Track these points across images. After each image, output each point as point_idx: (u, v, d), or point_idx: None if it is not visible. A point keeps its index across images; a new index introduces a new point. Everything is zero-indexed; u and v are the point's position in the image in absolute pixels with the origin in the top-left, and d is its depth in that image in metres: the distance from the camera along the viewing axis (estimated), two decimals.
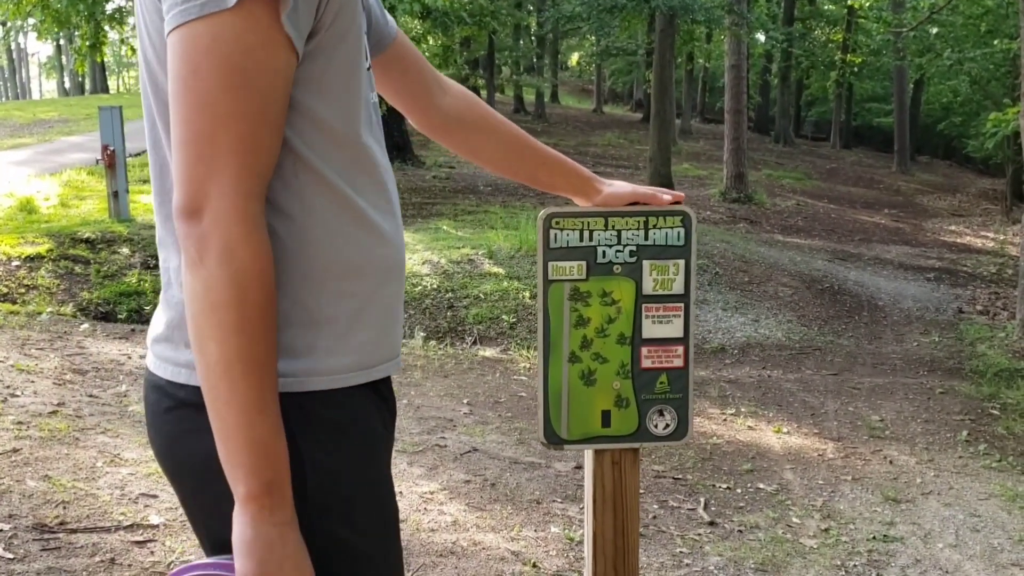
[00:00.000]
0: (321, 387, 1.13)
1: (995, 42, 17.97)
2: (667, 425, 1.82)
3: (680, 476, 4.84)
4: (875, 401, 6.90)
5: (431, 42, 15.66)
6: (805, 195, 19.60)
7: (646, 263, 1.80)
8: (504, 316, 7.89)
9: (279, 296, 1.08)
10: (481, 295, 8.26)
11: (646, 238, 1.80)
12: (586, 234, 1.78)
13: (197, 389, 1.06)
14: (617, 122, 31.08)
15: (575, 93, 43.02)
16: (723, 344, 8.42)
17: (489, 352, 7.29)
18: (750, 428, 6.00)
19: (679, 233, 1.80)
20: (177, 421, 1.15)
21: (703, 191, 17.90)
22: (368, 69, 1.22)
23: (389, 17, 1.45)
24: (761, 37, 26.90)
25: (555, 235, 1.77)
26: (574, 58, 38.00)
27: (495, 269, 8.92)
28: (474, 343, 7.51)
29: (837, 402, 6.82)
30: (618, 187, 1.80)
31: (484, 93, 24.48)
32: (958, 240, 16.17)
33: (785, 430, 6.00)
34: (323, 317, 1.14)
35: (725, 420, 6.16)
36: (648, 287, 1.80)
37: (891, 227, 17.01)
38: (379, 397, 1.24)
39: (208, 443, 1.05)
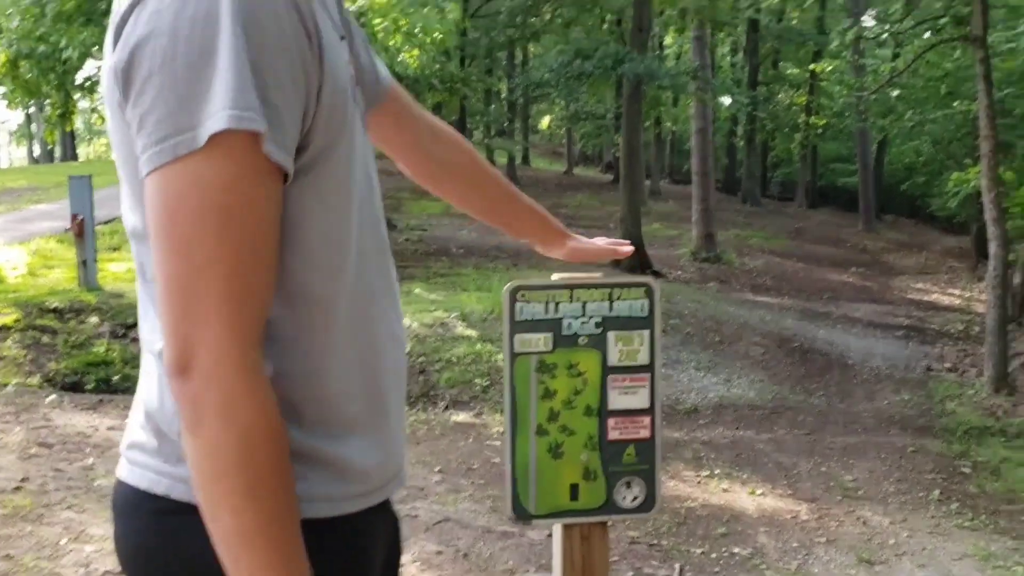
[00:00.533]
0: (322, 514, 1.06)
1: (955, 104, 18.40)
2: (635, 497, 1.82)
3: (655, 542, 4.80)
4: (848, 461, 6.91)
5: None
6: (774, 254, 19.83)
7: (611, 334, 1.81)
8: (477, 380, 7.87)
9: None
10: (454, 359, 8.24)
11: (611, 309, 1.82)
12: (552, 306, 1.80)
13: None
14: (588, 184, 31.39)
15: (546, 155, 43.49)
16: (696, 404, 8.43)
17: (462, 417, 7.25)
18: (724, 490, 5.98)
19: (643, 304, 1.83)
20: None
21: (674, 251, 18.06)
22: (364, 131, 1.16)
23: (382, 69, 1.40)
24: (726, 100, 27.40)
25: (521, 308, 1.79)
26: (545, 121, 38.53)
27: (468, 332, 8.92)
28: (447, 408, 7.48)
29: (810, 462, 6.83)
30: (584, 242, 1.81)
31: None
32: (925, 298, 16.38)
33: (759, 492, 5.99)
34: (326, 446, 1.08)
35: (699, 482, 6.15)
36: (614, 358, 1.81)
37: (859, 285, 17.21)
38: (383, 516, 1.19)
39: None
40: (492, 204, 1.71)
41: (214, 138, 0.90)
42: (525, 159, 35.55)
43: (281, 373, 1.03)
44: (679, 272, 15.71)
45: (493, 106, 28.40)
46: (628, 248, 1.85)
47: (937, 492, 6.21)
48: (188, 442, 0.95)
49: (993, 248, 9.88)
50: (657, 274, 14.85)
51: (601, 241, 1.86)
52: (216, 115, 0.90)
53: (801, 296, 15.20)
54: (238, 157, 0.92)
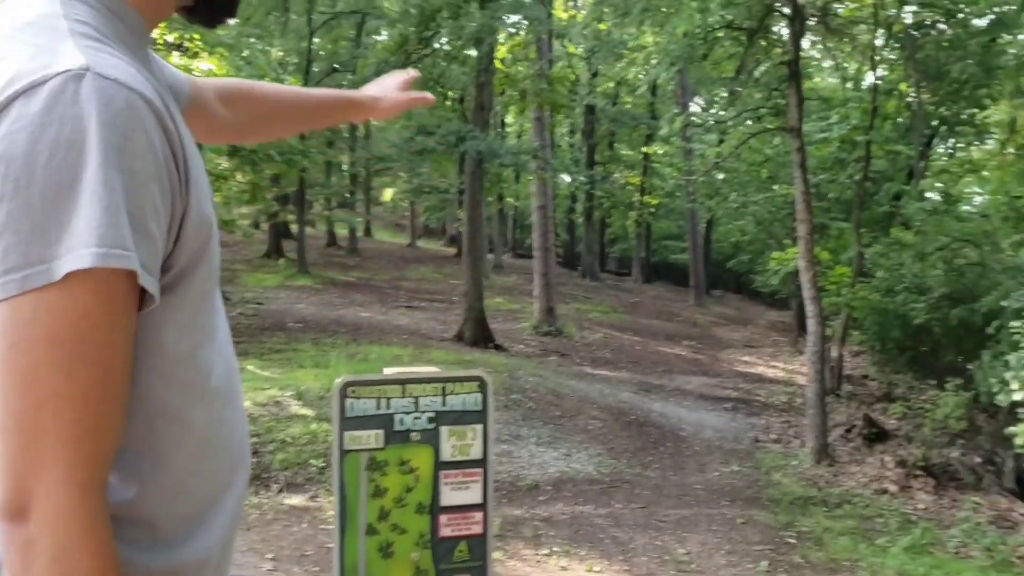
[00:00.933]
0: None
1: (775, 187, 19.63)
2: None
3: None
4: (681, 534, 7.07)
5: (240, 178, 15.53)
6: (612, 328, 20.37)
7: (444, 429, 1.80)
8: (313, 461, 7.65)
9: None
10: (288, 439, 7.99)
11: (444, 404, 1.80)
12: (383, 402, 1.77)
13: None
14: (431, 257, 31.54)
15: (389, 228, 43.48)
16: (537, 480, 8.46)
17: (297, 500, 7.01)
18: (563, 568, 6.00)
19: (477, 398, 1.82)
20: None
21: (516, 325, 18.29)
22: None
23: (180, 77, 1.38)
24: (566, 178, 28.30)
25: (351, 404, 1.75)
26: (387, 194, 38.55)
27: (304, 411, 8.69)
28: (280, 491, 7.21)
29: (645, 536, 6.95)
30: (389, 99, 1.78)
31: (295, 228, 24.36)
32: (752, 370, 17.16)
33: (597, 568, 6.04)
34: (179, 556, 1.05)
35: (539, 561, 6.14)
36: (446, 454, 1.80)
37: (691, 358, 17.88)
38: None
39: None
40: (299, 118, 1.77)
41: (72, 273, 0.85)
42: (368, 231, 35.42)
43: (140, 494, 0.99)
44: (521, 346, 15.89)
45: (334, 177, 28.24)
46: (414, 73, 1.85)
47: (765, 564, 6.43)
48: None
49: (811, 325, 10.50)
50: (500, 348, 14.97)
51: (394, 90, 1.80)
52: (78, 251, 0.85)
53: (637, 369, 15.63)
54: (95, 291, 0.87)
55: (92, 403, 0.89)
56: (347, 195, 31.40)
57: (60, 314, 0.86)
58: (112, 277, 0.88)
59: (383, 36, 25.60)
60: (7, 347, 0.86)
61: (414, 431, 1.79)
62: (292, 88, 1.76)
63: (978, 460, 9.90)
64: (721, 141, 20.00)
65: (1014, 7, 11.74)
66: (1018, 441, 7.42)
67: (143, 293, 0.93)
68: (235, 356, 1.21)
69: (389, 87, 1.81)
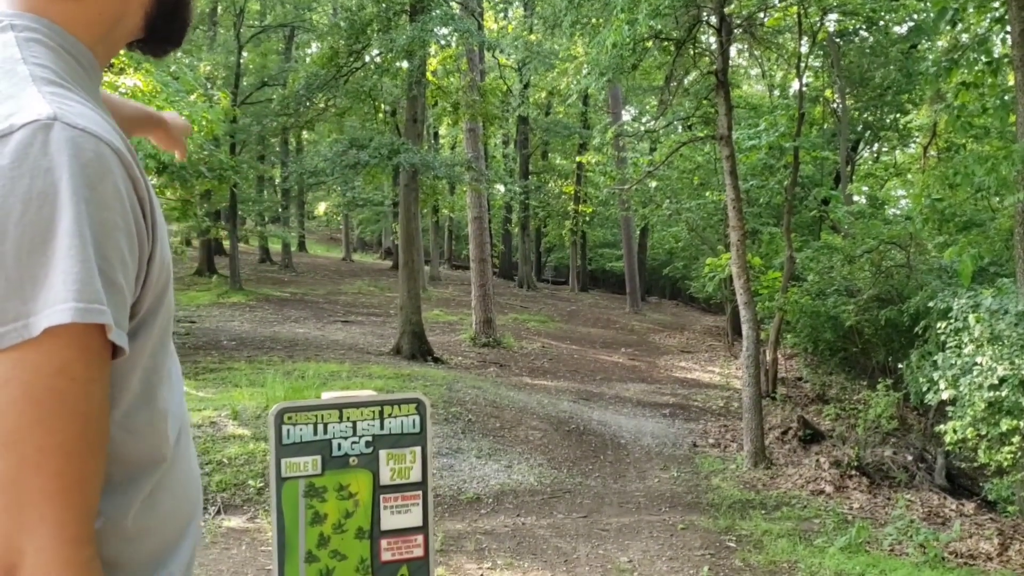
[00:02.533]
0: None
1: (707, 194, 19.93)
2: None
3: None
4: (623, 542, 7.11)
5: (169, 195, 15.25)
6: (550, 337, 20.45)
7: (383, 453, 1.78)
8: (251, 481, 7.51)
9: None
10: (225, 460, 7.85)
11: (382, 427, 1.79)
12: (320, 427, 1.75)
13: None
14: (367, 270, 31.33)
15: (323, 242, 43.13)
16: (478, 493, 8.43)
17: (235, 522, 6.88)
18: None
19: (415, 420, 1.81)
20: None
21: (454, 336, 18.25)
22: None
23: None
24: (501, 189, 28.38)
25: (288, 431, 1.72)
26: (320, 208, 38.25)
27: (240, 431, 8.54)
28: (218, 512, 7.07)
29: (588, 545, 6.97)
30: (173, 129, 1.82)
31: (227, 244, 24.00)
32: (688, 376, 17.36)
33: None
34: None
35: (482, 575, 6.11)
36: (386, 477, 1.78)
37: (628, 365, 18.02)
38: None
39: None
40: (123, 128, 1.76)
41: (50, 329, 0.85)
42: (302, 246, 35.07)
43: (102, 532, 0.98)
44: (460, 358, 15.85)
45: (266, 192, 27.93)
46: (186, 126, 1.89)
47: (706, 568, 6.49)
48: None
49: (745, 329, 10.66)
50: (438, 360, 14.92)
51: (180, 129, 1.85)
52: (56, 307, 0.85)
53: (576, 378, 15.70)
54: (72, 345, 0.87)
55: (75, 457, 0.88)
56: (280, 210, 31.08)
57: (38, 370, 0.86)
58: (87, 331, 0.87)
59: (313, 49, 25.44)
60: None
61: (352, 456, 1.76)
62: (117, 97, 1.74)
63: (910, 458, 10.13)
64: (653, 150, 20.28)
65: (932, 14, 12.13)
66: (948, 439, 7.62)
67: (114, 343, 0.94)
68: (183, 386, 1.22)
69: (179, 124, 1.84)
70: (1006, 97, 10.01)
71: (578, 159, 30.08)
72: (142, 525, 1.05)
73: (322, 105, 16.59)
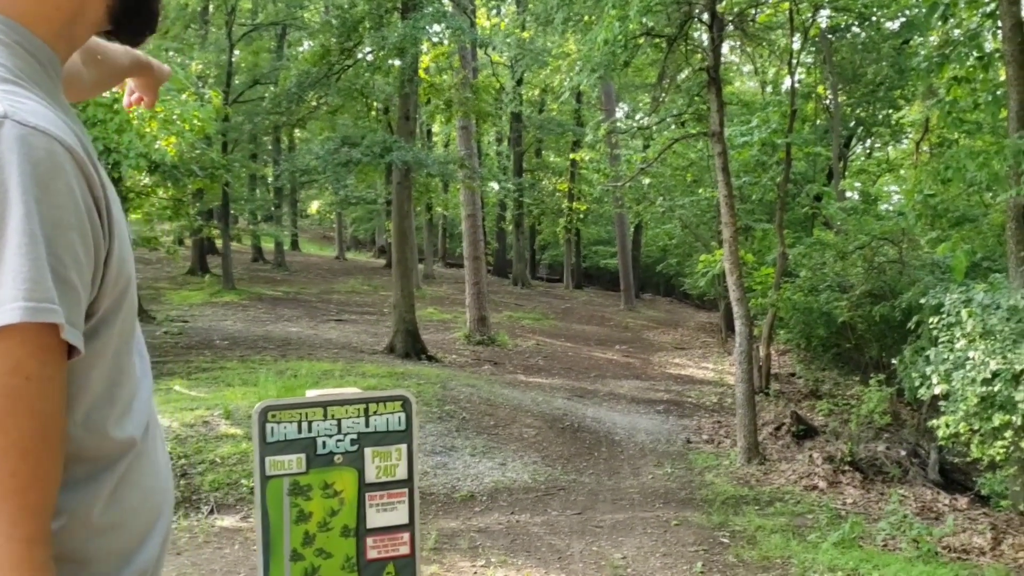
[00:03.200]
0: None
1: (700, 191, 19.94)
2: None
3: None
4: (617, 538, 7.10)
5: (161, 194, 15.21)
6: (544, 335, 20.44)
7: (368, 450, 1.77)
8: (244, 480, 7.49)
9: None
10: (218, 459, 7.83)
11: (367, 425, 1.77)
12: (305, 425, 1.74)
13: None
14: (360, 268, 31.28)
15: (317, 240, 43.04)
16: (472, 491, 8.42)
17: (228, 521, 6.86)
18: None
19: (400, 418, 1.80)
20: None
21: (448, 335, 18.23)
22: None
23: None
24: (494, 187, 28.36)
25: (272, 428, 1.71)
26: (313, 206, 38.18)
27: (233, 430, 8.51)
28: (211, 512, 7.06)
29: (582, 542, 6.97)
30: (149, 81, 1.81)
31: (220, 243, 23.95)
32: (682, 372, 17.36)
33: None
34: None
35: (476, 572, 6.10)
36: (371, 475, 1.77)
37: (622, 362, 18.02)
38: None
39: None
40: (121, 72, 1.72)
41: (1, 328, 0.84)
42: (295, 244, 35.01)
43: (65, 528, 0.98)
44: (454, 356, 15.84)
45: (258, 191, 27.87)
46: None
47: (700, 564, 6.49)
48: None
49: (738, 326, 10.67)
50: (432, 358, 14.90)
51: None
52: (5, 306, 0.84)
53: (570, 375, 15.70)
54: (27, 344, 0.86)
55: (31, 456, 0.87)
56: (272, 208, 31.01)
57: None
58: (40, 330, 0.87)
59: (305, 47, 25.38)
60: None
61: (337, 454, 1.75)
62: (114, 45, 1.73)
63: (903, 453, 10.15)
64: (646, 146, 20.26)
65: (923, 10, 12.15)
66: (940, 433, 7.63)
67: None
68: (151, 383, 1.21)
69: (163, 71, 1.84)
70: (998, 92, 10.02)
71: (572, 156, 30.06)
72: (109, 520, 1.04)
73: (314, 103, 16.56)
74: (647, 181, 20.41)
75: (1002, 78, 9.67)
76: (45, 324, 0.87)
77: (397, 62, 15.28)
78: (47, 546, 0.90)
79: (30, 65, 1.00)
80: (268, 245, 30.11)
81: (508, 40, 21.93)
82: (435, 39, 16.40)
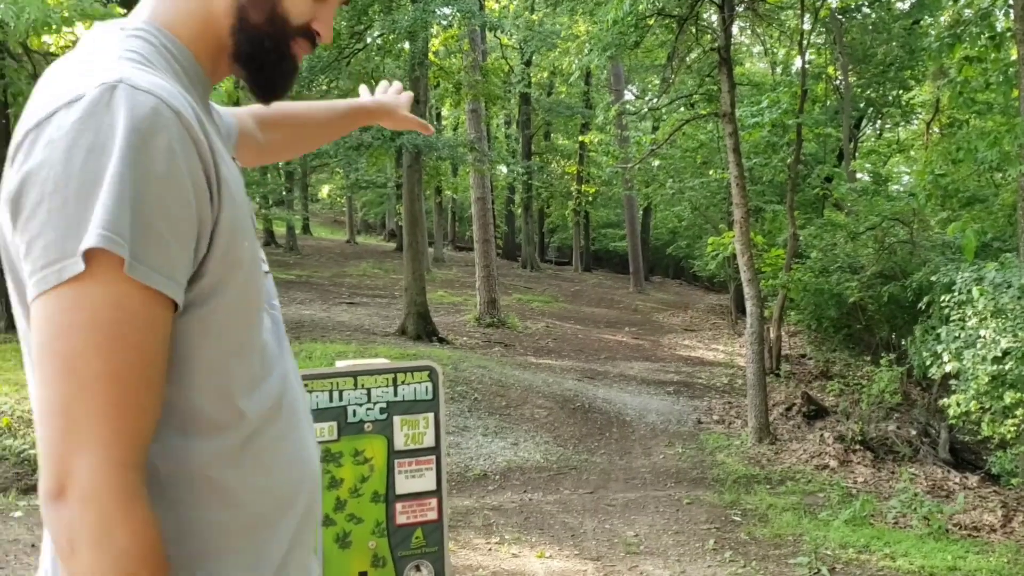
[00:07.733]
0: None
1: (710, 172, 19.89)
2: None
3: None
4: (629, 517, 7.18)
5: None
6: (554, 317, 20.49)
7: (397, 419, 1.83)
8: None
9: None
10: None
11: (395, 394, 1.83)
12: (336, 394, 1.79)
13: None
14: (371, 252, 31.34)
15: (328, 224, 43.11)
16: (485, 470, 8.51)
17: None
18: (514, 556, 6.05)
19: (427, 388, 1.85)
20: None
21: (459, 317, 18.30)
22: (267, 273, 1.23)
23: (226, 117, 1.48)
24: (504, 170, 28.35)
25: None
26: (324, 190, 38.21)
27: None
28: None
29: (594, 520, 7.04)
30: (401, 115, 1.95)
31: None
32: (692, 354, 17.40)
33: (548, 554, 6.11)
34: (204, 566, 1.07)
35: (490, 550, 6.19)
36: (400, 443, 1.83)
37: (632, 344, 18.06)
38: None
39: None
40: (323, 132, 1.89)
41: (95, 260, 0.91)
42: (306, 228, 35.06)
43: (178, 500, 1.03)
44: (465, 338, 15.91)
45: (269, 175, 27.91)
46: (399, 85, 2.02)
47: (712, 542, 6.56)
48: (63, 572, 0.93)
49: (749, 307, 10.70)
50: (443, 341, 14.98)
51: (403, 104, 1.97)
52: (91, 233, 0.91)
53: (581, 357, 15.76)
54: (127, 280, 0.93)
55: (129, 385, 0.93)
56: (284, 193, 31.05)
57: (96, 301, 0.92)
58: (121, 263, 0.94)
59: None
60: (51, 336, 0.92)
61: (367, 422, 1.81)
62: (313, 104, 1.87)
63: (914, 432, 10.19)
64: (655, 128, 20.24)
65: None
66: (951, 412, 7.66)
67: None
68: (291, 370, 1.26)
69: (399, 101, 1.96)
70: (1009, 72, 10.00)
71: (580, 139, 30.02)
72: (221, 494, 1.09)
73: (324, 87, 16.56)
74: (656, 163, 20.38)
75: (1013, 57, 9.64)
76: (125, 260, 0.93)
77: (407, 45, 15.29)
78: (139, 472, 0.94)
79: (169, 63, 1.09)
80: (280, 229, 30.18)
81: (517, 22, 21.89)
82: (445, 22, 16.38)
